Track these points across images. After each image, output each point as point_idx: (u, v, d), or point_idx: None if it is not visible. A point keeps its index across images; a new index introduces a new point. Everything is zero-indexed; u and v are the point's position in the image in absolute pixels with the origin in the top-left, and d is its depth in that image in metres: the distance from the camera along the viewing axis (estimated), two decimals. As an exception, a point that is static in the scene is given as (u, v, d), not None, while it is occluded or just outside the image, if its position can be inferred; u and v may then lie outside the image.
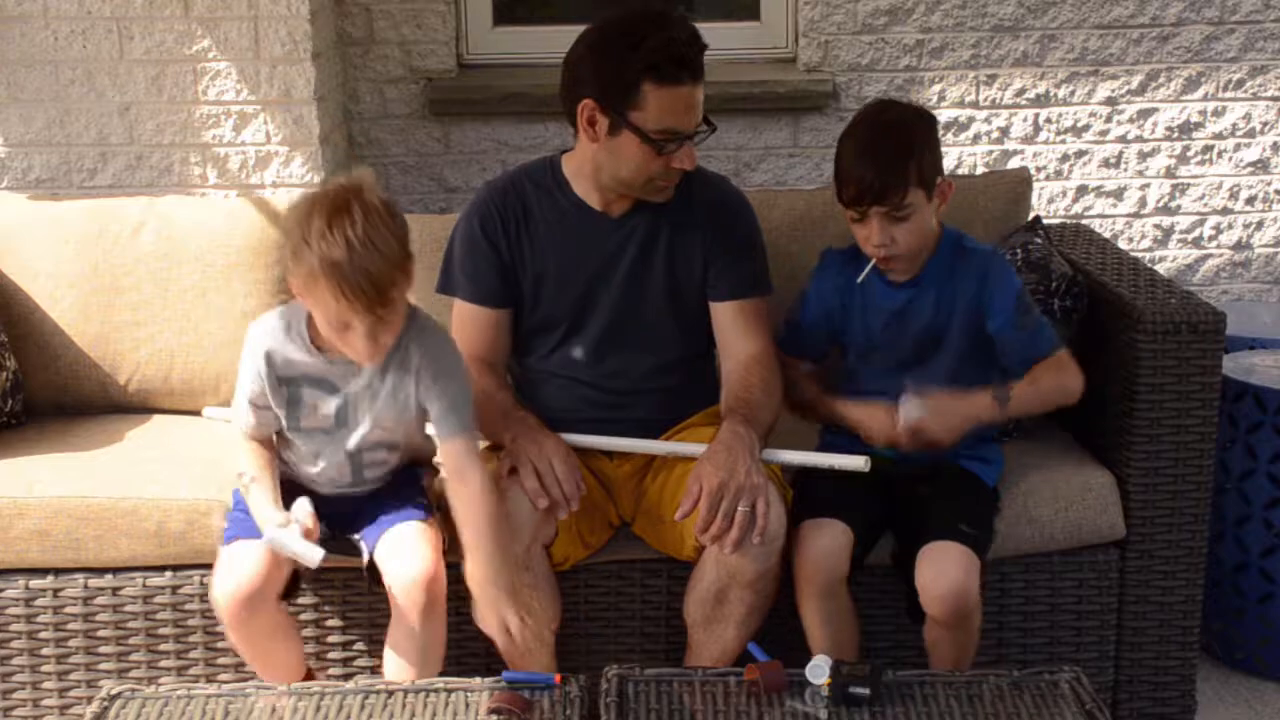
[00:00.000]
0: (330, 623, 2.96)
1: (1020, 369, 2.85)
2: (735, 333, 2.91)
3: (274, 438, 2.76)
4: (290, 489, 2.77)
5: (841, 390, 2.92)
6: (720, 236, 2.90)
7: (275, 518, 2.64)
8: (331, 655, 2.98)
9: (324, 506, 2.76)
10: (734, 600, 2.74)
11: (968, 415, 2.80)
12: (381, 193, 2.58)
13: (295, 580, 2.77)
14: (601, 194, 2.88)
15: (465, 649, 2.95)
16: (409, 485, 2.83)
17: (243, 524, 2.73)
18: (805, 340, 2.97)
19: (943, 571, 2.69)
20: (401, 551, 2.69)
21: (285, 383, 2.68)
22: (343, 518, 2.80)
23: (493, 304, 2.91)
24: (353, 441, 2.72)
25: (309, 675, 2.85)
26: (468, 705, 2.39)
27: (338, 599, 2.94)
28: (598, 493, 2.90)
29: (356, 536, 2.80)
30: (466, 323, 2.93)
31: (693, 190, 2.91)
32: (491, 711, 2.35)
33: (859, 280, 2.86)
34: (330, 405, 2.70)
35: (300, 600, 2.94)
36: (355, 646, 2.96)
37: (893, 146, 2.77)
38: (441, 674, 2.66)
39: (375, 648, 2.89)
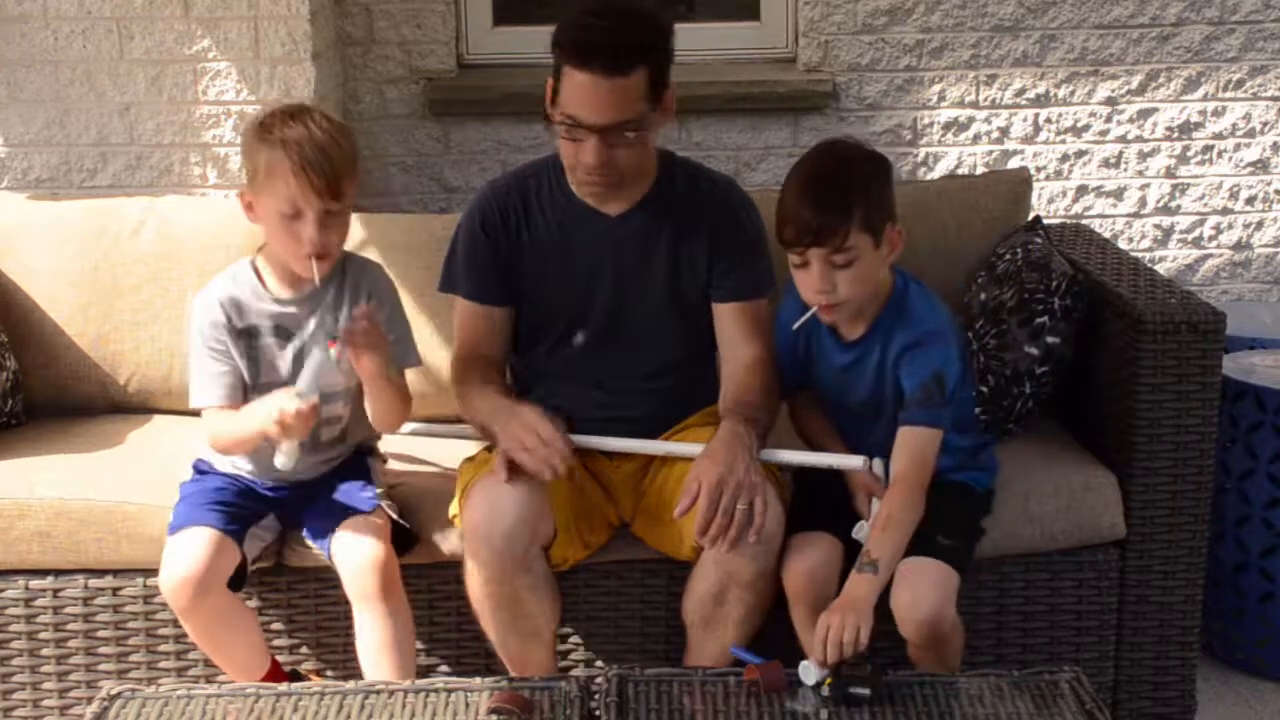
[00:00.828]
0: (328, 624, 2.97)
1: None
2: (737, 335, 2.89)
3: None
4: (247, 489, 2.83)
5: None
6: (725, 238, 2.89)
7: (282, 396, 2.66)
8: (328, 655, 2.98)
9: (272, 506, 2.84)
10: (732, 601, 2.74)
11: (862, 604, 2.53)
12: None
13: (242, 570, 2.79)
14: None
15: (465, 649, 2.96)
16: (357, 473, 2.87)
17: (187, 513, 2.75)
18: (788, 376, 2.89)
19: (918, 597, 2.63)
20: (348, 544, 2.74)
21: (243, 335, 2.76)
22: (292, 516, 2.85)
23: (493, 301, 2.91)
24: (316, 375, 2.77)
25: (275, 666, 2.86)
26: (468, 705, 2.39)
27: (334, 601, 2.93)
28: (597, 493, 2.90)
29: (308, 539, 2.85)
30: (467, 320, 2.93)
31: (698, 191, 2.91)
32: (491, 711, 2.35)
33: (794, 327, 2.76)
34: (287, 354, 2.76)
35: (301, 601, 2.94)
36: (350, 650, 2.95)
37: (836, 184, 2.63)
38: (440, 673, 2.66)
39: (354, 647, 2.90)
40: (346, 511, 2.78)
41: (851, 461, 2.78)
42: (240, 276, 2.81)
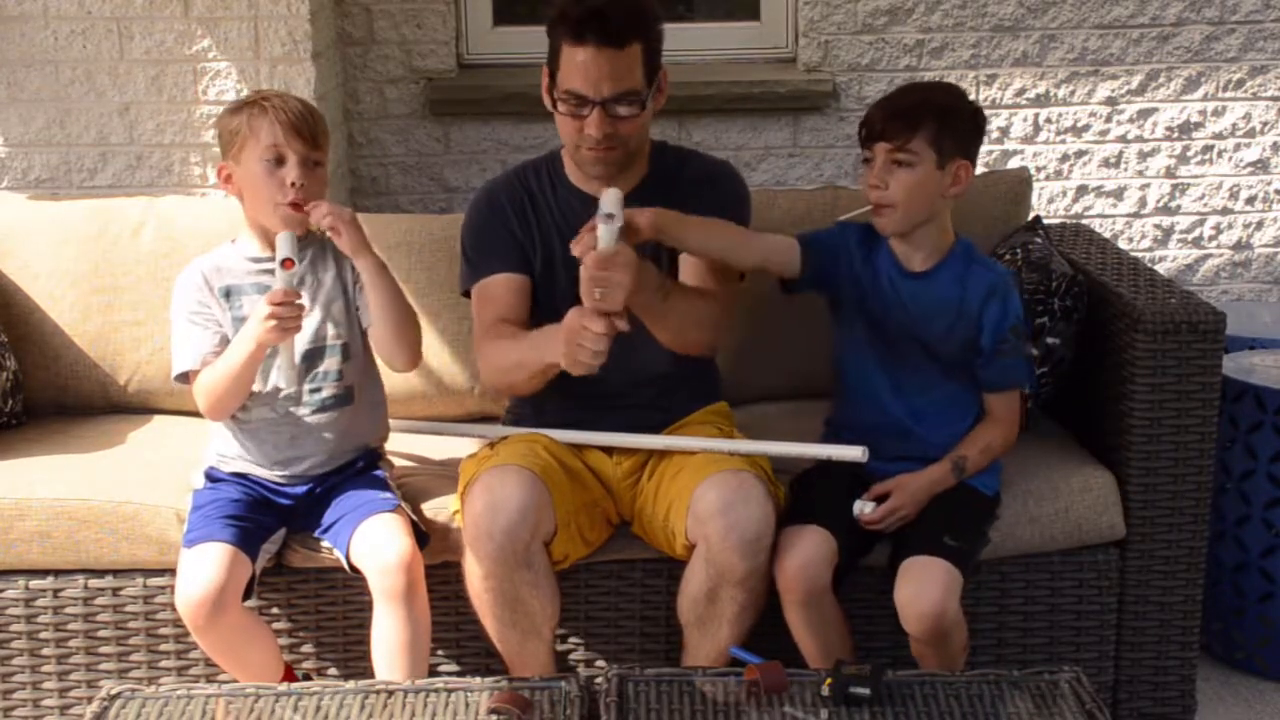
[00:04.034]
0: (327, 624, 2.97)
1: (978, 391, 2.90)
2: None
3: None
4: (260, 500, 2.82)
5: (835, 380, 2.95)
6: (711, 202, 2.89)
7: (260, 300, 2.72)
8: (327, 655, 2.98)
9: (284, 517, 2.84)
10: (725, 599, 2.74)
11: (930, 486, 2.82)
12: None
13: (251, 580, 2.78)
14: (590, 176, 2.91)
15: (465, 649, 2.96)
16: (372, 481, 2.87)
17: (203, 526, 2.74)
18: (813, 253, 2.90)
19: (921, 591, 2.67)
20: (376, 542, 2.73)
21: (224, 295, 2.82)
22: (306, 518, 2.85)
23: (513, 269, 2.91)
24: (309, 327, 2.78)
25: (289, 673, 2.86)
26: (468, 705, 2.39)
27: (333, 601, 2.94)
28: (597, 488, 2.89)
29: (325, 542, 2.84)
30: (487, 295, 2.92)
31: (690, 168, 2.96)
32: (491, 711, 2.35)
33: (842, 218, 2.94)
34: None
35: (301, 601, 2.95)
36: (351, 648, 2.96)
37: (917, 96, 2.85)
38: (440, 673, 2.66)
39: (355, 646, 2.91)
40: (367, 512, 2.77)
41: (850, 452, 2.79)
42: (221, 248, 2.91)
